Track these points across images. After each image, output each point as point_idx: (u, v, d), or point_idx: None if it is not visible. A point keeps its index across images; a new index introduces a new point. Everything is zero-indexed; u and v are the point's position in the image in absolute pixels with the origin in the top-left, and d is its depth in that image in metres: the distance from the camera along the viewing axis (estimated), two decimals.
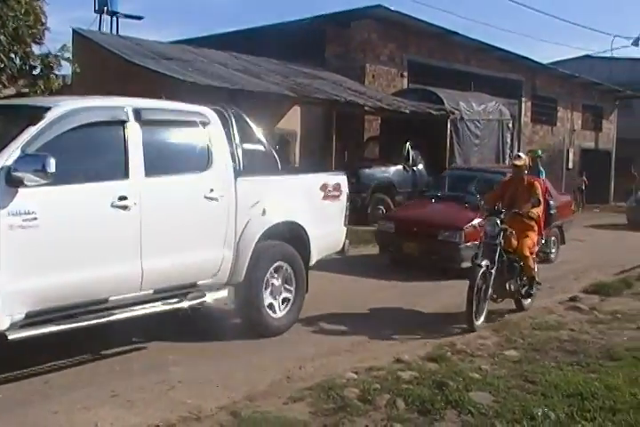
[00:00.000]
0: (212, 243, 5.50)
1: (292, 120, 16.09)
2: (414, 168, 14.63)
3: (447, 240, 8.86)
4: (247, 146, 6.35)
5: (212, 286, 5.60)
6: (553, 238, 10.64)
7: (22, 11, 8.46)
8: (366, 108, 13.58)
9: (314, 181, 6.68)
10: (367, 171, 13.66)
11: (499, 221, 6.59)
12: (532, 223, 6.96)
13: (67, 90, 11.52)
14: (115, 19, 20.06)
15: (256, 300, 5.77)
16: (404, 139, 14.62)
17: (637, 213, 17.88)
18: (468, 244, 8.63)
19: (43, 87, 9.26)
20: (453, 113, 15.15)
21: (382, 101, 14.34)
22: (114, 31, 19.19)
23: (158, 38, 13.84)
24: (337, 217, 6.80)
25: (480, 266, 6.36)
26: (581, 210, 21.59)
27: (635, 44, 25.78)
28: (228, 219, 5.57)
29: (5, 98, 11.63)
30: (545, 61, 23.87)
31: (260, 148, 6.86)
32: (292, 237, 6.09)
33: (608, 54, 27.47)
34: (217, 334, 5.95)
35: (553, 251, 10.64)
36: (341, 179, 6.97)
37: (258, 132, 6.92)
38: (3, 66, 8.65)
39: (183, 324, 5.86)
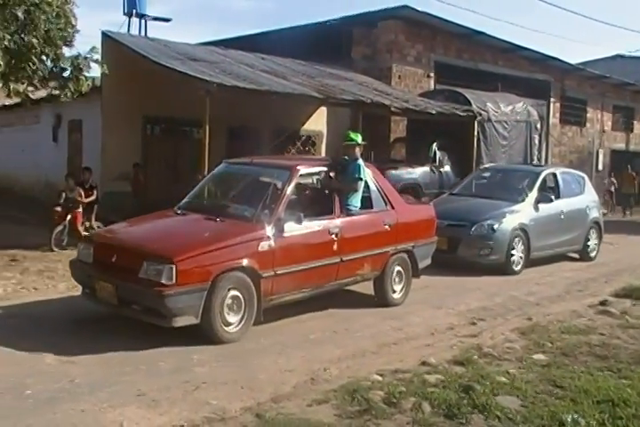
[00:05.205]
0: None
1: (319, 121, 16.10)
2: (441, 169, 14.53)
3: (149, 280, 5.43)
4: None
5: None
6: (397, 269, 7.44)
7: (54, 14, 8.59)
8: (393, 109, 13.47)
9: None
10: (394, 172, 13.54)
11: None
12: None
13: (96, 91, 11.70)
14: (143, 21, 20.29)
15: None
16: (431, 140, 14.53)
17: None
18: (185, 287, 5.38)
19: (72, 89, 9.39)
20: (480, 114, 14.99)
21: (409, 102, 14.25)
22: (142, 33, 19.42)
23: (186, 40, 14.07)
24: None
25: None
26: (612, 213, 21.30)
27: None
28: None
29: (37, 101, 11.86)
30: (575, 62, 23.55)
31: None
32: None
33: None
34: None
35: (397, 289, 7.44)
36: None
37: None
38: (35, 68, 8.78)
39: None
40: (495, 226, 9.71)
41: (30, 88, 9.82)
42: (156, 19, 20.88)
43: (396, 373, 5.04)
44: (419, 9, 15.95)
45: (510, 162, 16.07)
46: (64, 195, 10.70)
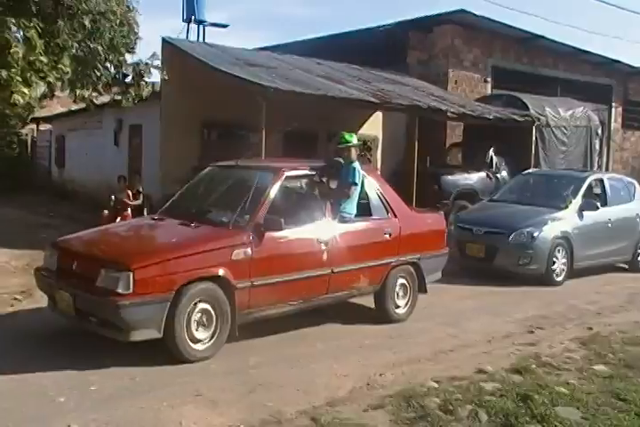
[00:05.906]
0: None
1: (374, 126, 16.06)
2: (497, 175, 14.30)
3: (105, 289, 5.00)
4: None
5: None
6: (401, 282, 6.87)
7: (118, 22, 8.84)
8: (449, 114, 13.36)
9: None
10: (450, 177, 13.45)
11: None
12: None
13: (155, 96, 11.97)
14: (202, 27, 20.67)
15: None
16: (488, 145, 14.32)
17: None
18: (144, 298, 4.93)
19: (134, 94, 9.64)
20: (539, 119, 14.71)
21: (465, 107, 14.09)
22: (201, 39, 19.79)
23: (243, 45, 14.41)
24: None
25: None
26: None
27: None
28: None
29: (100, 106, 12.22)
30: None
31: None
32: None
33: None
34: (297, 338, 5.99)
35: (400, 304, 6.86)
36: None
37: None
38: (99, 74, 9.05)
39: (260, 328, 5.92)
40: (535, 234, 9.17)
41: (94, 94, 10.12)
42: (213, 25, 21.24)
43: (452, 380, 5.00)
44: (476, 13, 15.78)
45: (569, 168, 15.73)
46: (113, 197, 11.03)
